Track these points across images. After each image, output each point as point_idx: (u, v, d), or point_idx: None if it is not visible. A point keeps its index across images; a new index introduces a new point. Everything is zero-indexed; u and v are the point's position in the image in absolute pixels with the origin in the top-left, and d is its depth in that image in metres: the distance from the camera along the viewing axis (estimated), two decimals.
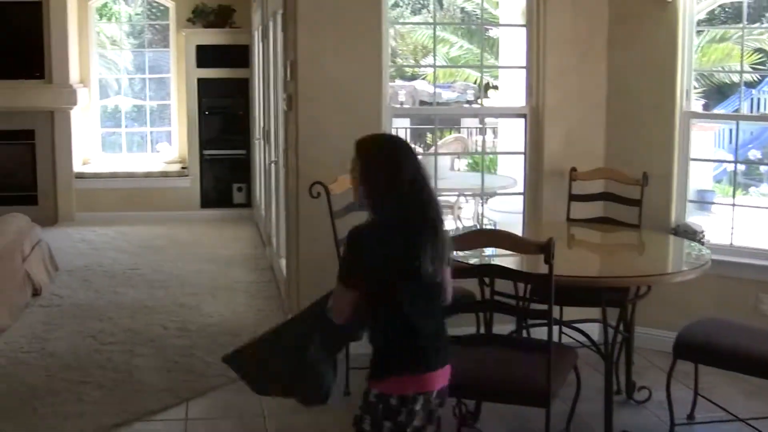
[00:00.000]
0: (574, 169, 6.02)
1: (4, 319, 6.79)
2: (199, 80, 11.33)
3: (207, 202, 11.50)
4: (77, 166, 11.21)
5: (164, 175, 11.40)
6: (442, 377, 3.23)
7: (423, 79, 16.92)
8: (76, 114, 11.16)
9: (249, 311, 7.27)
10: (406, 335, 3.17)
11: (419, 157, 3.25)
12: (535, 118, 6.30)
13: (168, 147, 12.19)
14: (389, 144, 3.35)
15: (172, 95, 12.06)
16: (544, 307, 3.94)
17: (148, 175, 11.41)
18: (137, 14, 12.92)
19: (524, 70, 6.44)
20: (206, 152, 11.46)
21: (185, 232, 10.60)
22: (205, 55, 11.26)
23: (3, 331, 6.68)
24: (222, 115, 11.47)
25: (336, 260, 5.19)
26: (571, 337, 4.96)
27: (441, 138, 13.14)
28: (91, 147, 11.90)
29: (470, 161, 13.49)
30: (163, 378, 5.80)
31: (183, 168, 11.61)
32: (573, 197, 6.02)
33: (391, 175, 3.13)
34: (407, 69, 17.88)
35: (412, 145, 3.43)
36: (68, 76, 10.85)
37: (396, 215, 3.11)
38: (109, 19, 13.53)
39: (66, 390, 5.57)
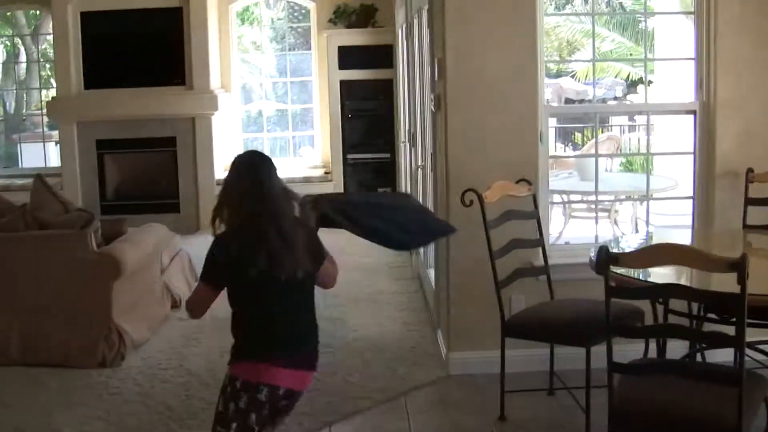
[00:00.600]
0: (750, 170, 5.42)
1: (142, 332, 6.58)
2: (342, 82, 11.04)
3: None
4: (219, 173, 11.03)
5: (307, 180, 11.11)
6: (292, 378, 3.48)
7: (572, 76, 16.30)
8: (218, 120, 10.99)
9: (395, 324, 6.88)
10: (254, 327, 3.50)
11: (268, 170, 3.56)
12: (705, 114, 5.71)
13: (311, 151, 11.93)
14: (238, 161, 3.63)
15: (315, 98, 11.80)
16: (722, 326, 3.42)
17: (290, 181, 11.09)
18: (279, 19, 12.71)
19: (687, 63, 5.87)
20: (350, 156, 11.15)
21: (328, 238, 10.24)
22: (348, 57, 10.96)
23: (141, 345, 6.48)
24: (366, 117, 11.14)
25: (490, 272, 4.79)
26: (752, 358, 4.43)
27: (592, 137, 12.57)
28: (234, 153, 11.72)
29: (623, 161, 12.85)
30: (304, 399, 5.37)
31: (326, 173, 11.32)
32: (750, 201, 5.42)
33: (227, 192, 3.52)
34: (552, 66, 17.28)
35: (265, 158, 3.68)
36: (209, 82, 10.71)
37: (235, 224, 3.46)
38: (251, 24, 13.36)
39: (204, 411, 5.26)
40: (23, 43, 13.49)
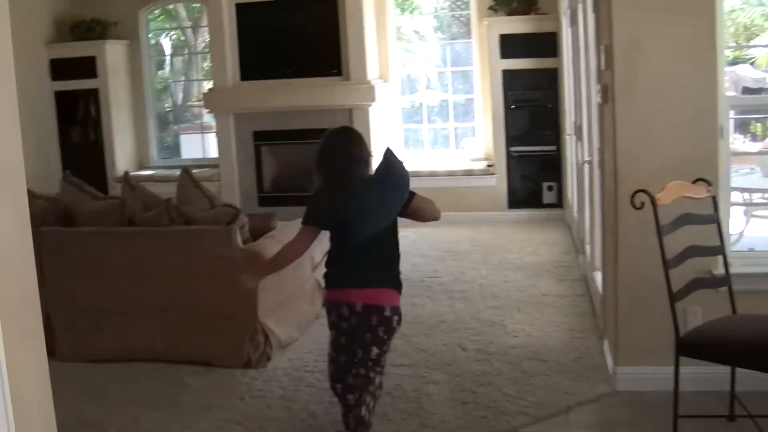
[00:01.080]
0: None
1: (291, 332, 6.33)
2: (504, 72, 10.56)
3: (514, 202, 10.72)
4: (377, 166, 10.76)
5: (468, 173, 10.72)
6: (364, 296, 4.38)
7: (751, 63, 15.42)
8: (376, 111, 10.69)
9: (558, 330, 6.40)
10: (336, 261, 4.51)
11: (351, 141, 4.47)
12: None
13: (473, 143, 11.52)
14: (326, 136, 4.51)
15: (476, 89, 11.36)
16: None
17: (451, 174, 10.77)
18: (443, 8, 12.29)
19: None
20: (513, 149, 10.66)
21: (490, 234, 9.88)
22: (510, 45, 10.46)
23: (288, 345, 6.23)
24: (529, 108, 10.63)
25: (663, 282, 4.29)
26: None
27: None
28: (392, 145, 11.40)
29: None
30: (457, 412, 5.07)
31: (489, 166, 10.87)
32: None
33: (317, 159, 4.41)
34: (727, 53, 16.38)
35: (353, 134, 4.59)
36: (366, 72, 10.43)
37: (324, 183, 4.40)
38: (411, 12, 12.99)
39: None
40: (185, 36, 13.53)
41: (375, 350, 4.42)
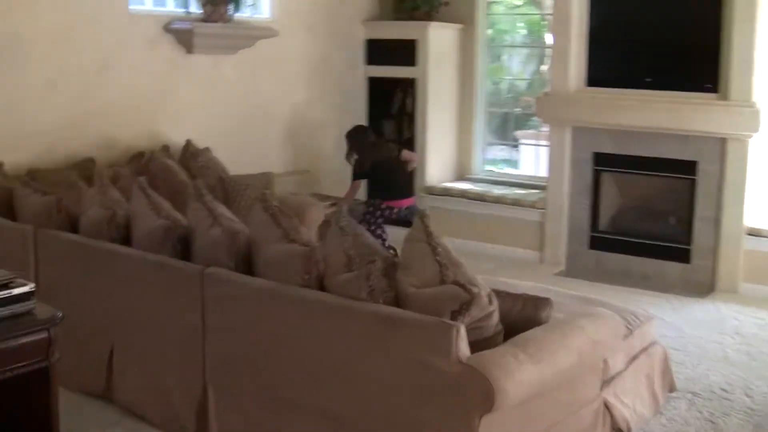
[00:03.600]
0: None
1: None
2: None
3: None
4: (752, 218, 8.00)
5: None
6: (405, 202, 8.17)
7: None
8: (758, 144, 7.94)
9: None
10: (382, 190, 8.25)
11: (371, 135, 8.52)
12: None
13: None
14: (355, 130, 8.48)
15: None
16: None
17: None
18: None
19: None
20: None
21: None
22: None
23: None
24: None
25: None
26: None
27: None
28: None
29: None
30: None
31: None
32: None
33: (356, 143, 8.33)
34: None
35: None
36: (751, 92, 7.64)
37: (365, 156, 8.23)
38: None
39: None
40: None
41: None
